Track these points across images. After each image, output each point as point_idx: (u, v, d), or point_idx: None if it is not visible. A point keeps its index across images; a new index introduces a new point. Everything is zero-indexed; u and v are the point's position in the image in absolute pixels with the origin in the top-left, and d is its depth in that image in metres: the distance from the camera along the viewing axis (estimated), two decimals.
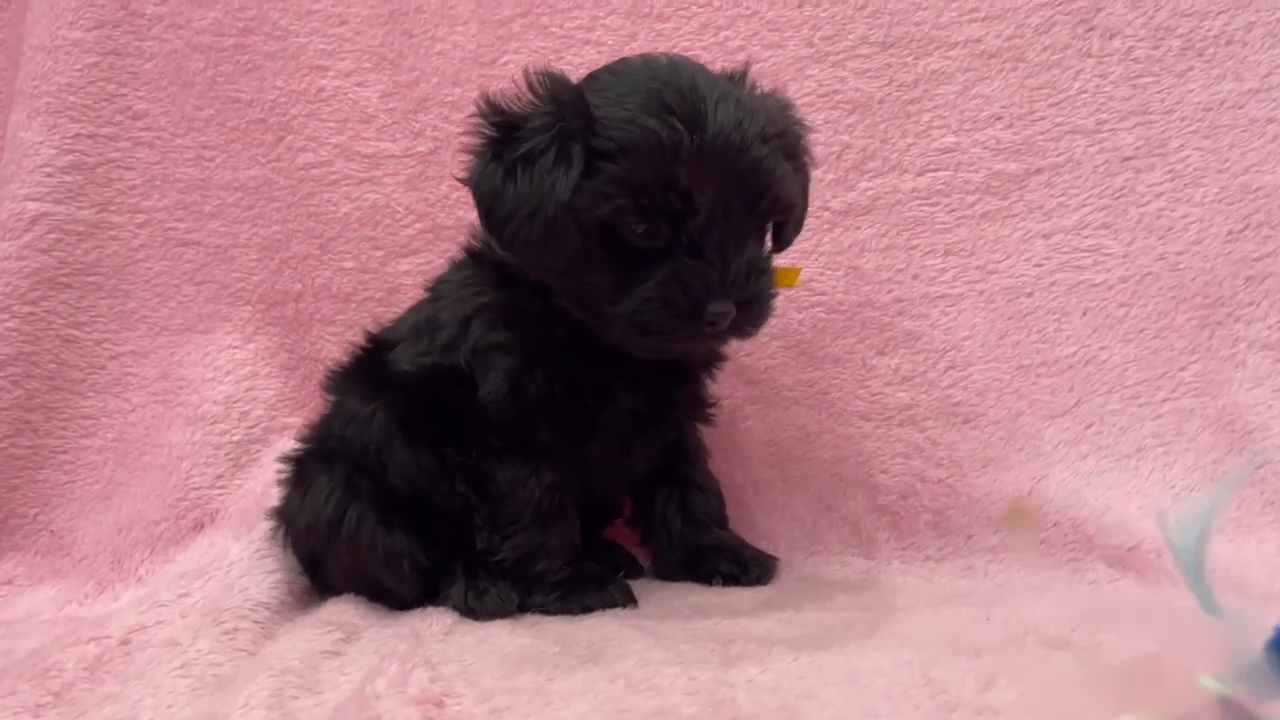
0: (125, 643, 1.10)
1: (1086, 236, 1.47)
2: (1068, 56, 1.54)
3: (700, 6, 1.62)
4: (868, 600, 1.19)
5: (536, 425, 1.21)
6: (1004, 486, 1.36)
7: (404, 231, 1.65)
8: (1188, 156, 1.47)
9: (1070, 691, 0.86)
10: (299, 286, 1.66)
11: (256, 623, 1.18)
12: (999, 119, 1.54)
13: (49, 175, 1.60)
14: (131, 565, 1.46)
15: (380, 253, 1.65)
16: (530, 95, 1.12)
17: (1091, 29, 1.54)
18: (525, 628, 1.17)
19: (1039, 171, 1.51)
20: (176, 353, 1.64)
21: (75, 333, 1.61)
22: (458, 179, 1.19)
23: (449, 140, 1.65)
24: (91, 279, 1.63)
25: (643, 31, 1.63)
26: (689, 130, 1.04)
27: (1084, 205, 1.49)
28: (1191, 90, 1.49)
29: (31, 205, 1.59)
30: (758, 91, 1.18)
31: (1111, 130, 1.50)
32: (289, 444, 1.53)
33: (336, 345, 1.64)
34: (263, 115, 1.66)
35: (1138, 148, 1.49)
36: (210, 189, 1.67)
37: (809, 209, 1.27)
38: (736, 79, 1.18)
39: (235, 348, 1.64)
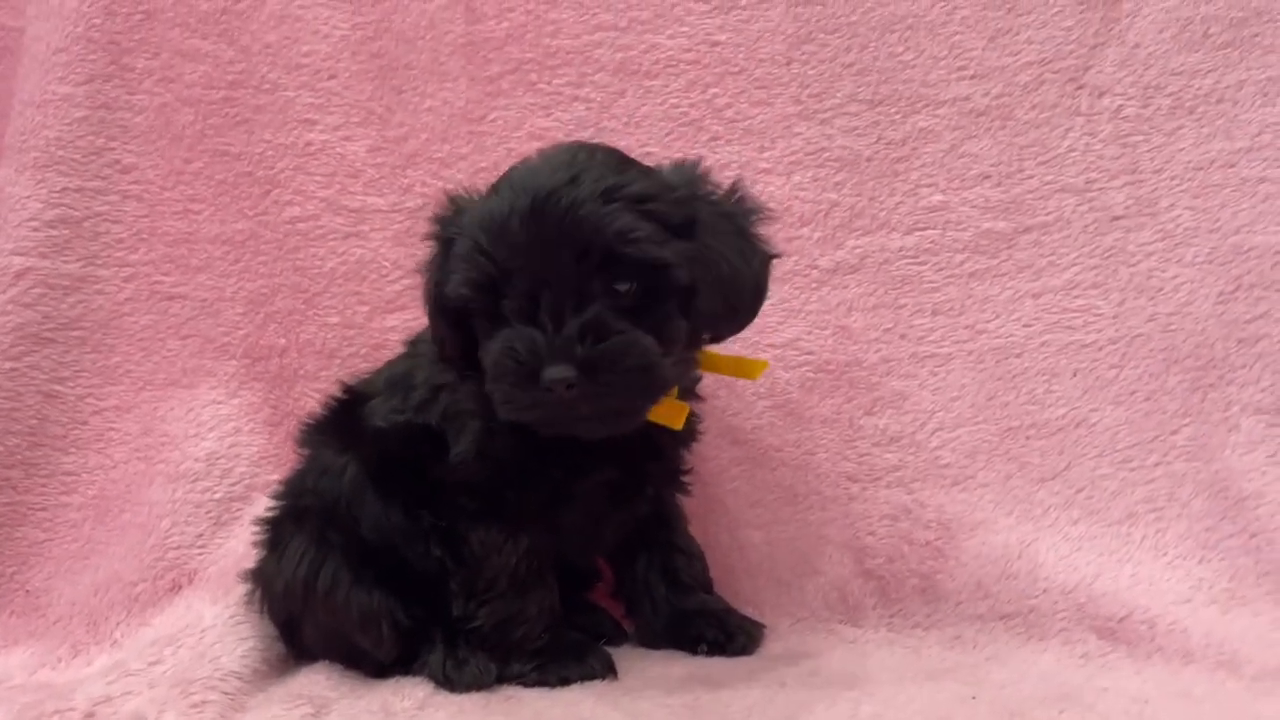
0: (90, 716, 1.08)
1: (1076, 296, 1.46)
2: (1056, 115, 1.53)
3: (688, 64, 1.62)
4: (852, 675, 1.16)
5: (505, 491, 1.19)
6: (993, 550, 1.33)
7: (390, 287, 1.64)
8: (1178, 216, 1.46)
9: None
10: (283, 341, 1.64)
11: (226, 694, 1.16)
12: (987, 177, 1.53)
13: (35, 229, 1.60)
14: (107, 628, 1.44)
15: (366, 308, 1.64)
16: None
17: (1080, 87, 1.53)
18: (500, 702, 1.15)
19: (1028, 230, 1.50)
20: (160, 408, 1.63)
21: (58, 388, 1.60)
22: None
23: (437, 196, 1.63)
24: (75, 334, 1.62)
25: (630, 89, 1.63)
26: (514, 198, 1.06)
27: (1074, 264, 1.47)
28: (1182, 149, 1.48)
29: (17, 260, 1.58)
30: (684, 171, 1.17)
31: (1101, 189, 1.49)
32: (267, 503, 1.51)
33: (320, 402, 1.62)
34: (250, 168, 1.66)
35: (1128, 207, 1.48)
36: (197, 242, 1.66)
37: (760, 282, 1.17)
38: (681, 166, 1.18)
39: (219, 403, 1.62)
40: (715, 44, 1.62)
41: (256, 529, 1.35)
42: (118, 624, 1.44)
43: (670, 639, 1.33)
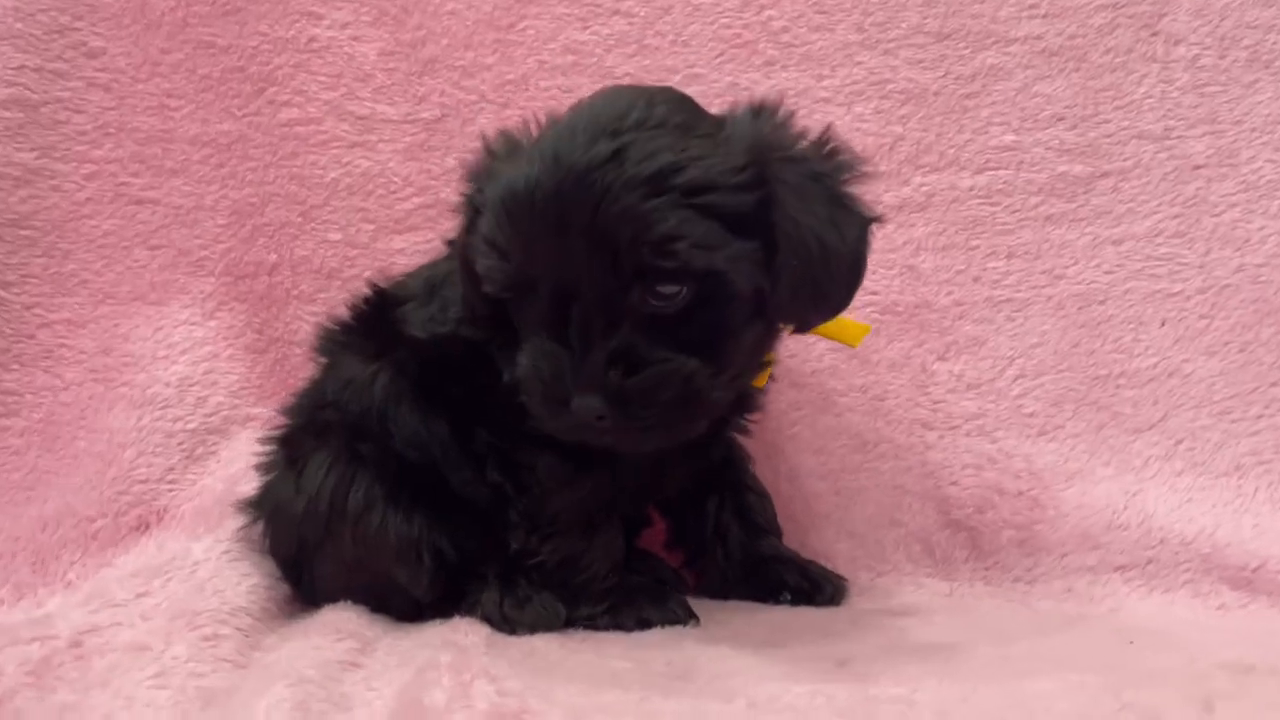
0: (76, 645, 0.88)
1: (1160, 245, 1.38)
2: (1131, 60, 1.45)
3: None
4: (973, 623, 1.02)
5: None
6: (1095, 500, 1.22)
7: (400, 205, 1.46)
8: (1260, 169, 1.39)
9: None
10: (274, 258, 1.45)
11: (239, 629, 0.96)
12: (1061, 119, 1.44)
13: None
14: (58, 568, 1.21)
15: (371, 226, 1.46)
16: None
17: (1155, 34, 1.46)
18: (577, 642, 0.97)
19: (1105, 175, 1.42)
20: (122, 325, 1.41)
21: (1, 293, 1.35)
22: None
23: (458, 109, 1.47)
24: (25, 233, 1.39)
25: (678, 5, 1.50)
26: (541, 175, 0.86)
27: (1155, 213, 1.39)
28: (1260, 102, 1.42)
29: None
30: (757, 125, 0.93)
31: (1180, 138, 1.42)
32: (251, 438, 1.30)
33: (315, 327, 1.41)
34: (241, 63, 1.46)
35: (1208, 157, 1.41)
36: (173, 142, 1.46)
37: (858, 256, 0.94)
38: (757, 111, 0.95)
39: (193, 324, 1.41)
40: None
41: (261, 449, 1.14)
42: (71, 564, 1.22)
43: (745, 587, 1.18)
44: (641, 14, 1.49)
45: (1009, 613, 1.09)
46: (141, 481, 1.29)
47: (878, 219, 0.96)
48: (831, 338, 1.12)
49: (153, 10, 1.46)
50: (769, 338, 1.01)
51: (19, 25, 1.40)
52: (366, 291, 1.17)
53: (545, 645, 0.95)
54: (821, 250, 0.89)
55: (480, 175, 0.97)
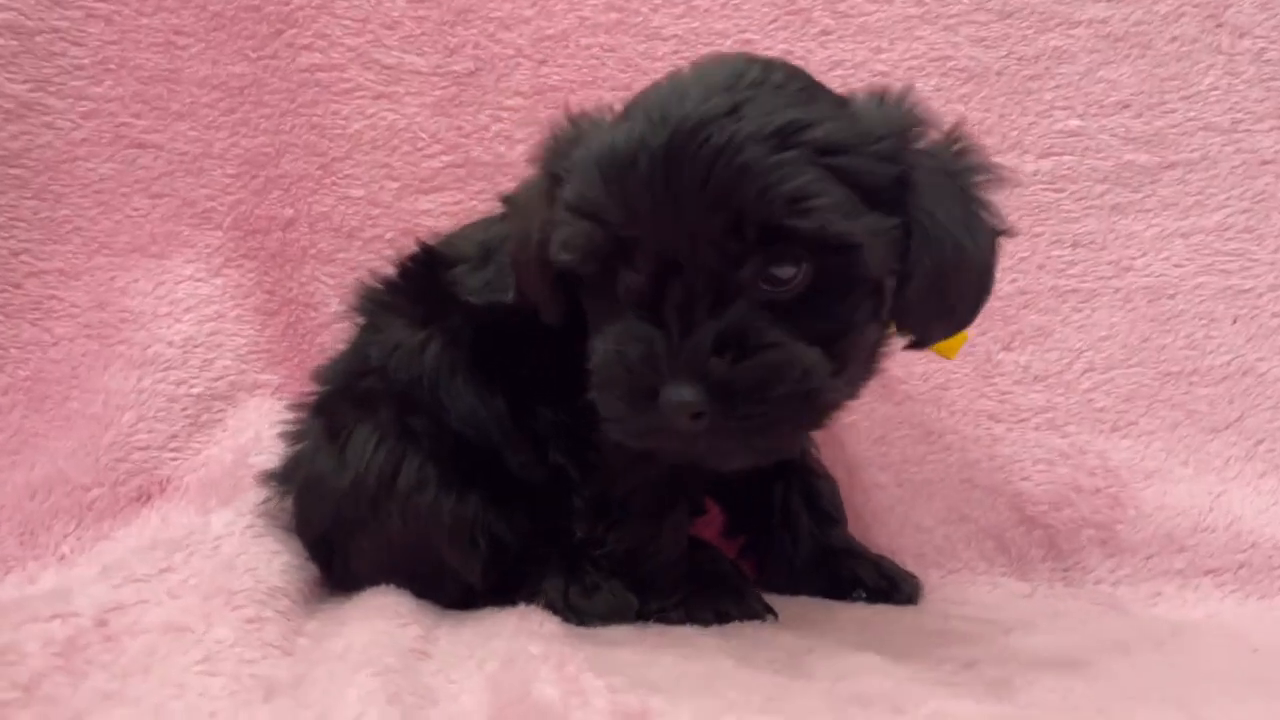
0: (102, 624, 0.77)
1: (1230, 239, 1.33)
2: (1197, 50, 1.40)
3: None
4: (1074, 625, 0.94)
5: None
6: (1178, 501, 1.16)
7: (427, 163, 1.36)
8: None
9: None
10: (289, 212, 1.33)
11: (279, 612, 0.84)
12: (1127, 106, 1.38)
13: None
14: (49, 540, 1.10)
15: (396, 184, 1.35)
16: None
17: (1220, 25, 1.41)
18: (656, 636, 0.87)
19: (1172, 166, 1.36)
20: (119, 278, 1.30)
21: None
22: None
23: (493, 63, 1.37)
24: (15, 172, 1.27)
25: None
26: (646, 130, 0.75)
27: (1224, 206, 1.34)
28: None
29: None
30: (890, 106, 0.83)
31: (1248, 131, 1.37)
32: (261, 405, 1.19)
33: (333, 289, 1.31)
34: (258, 1, 1.35)
35: (1277, 151, 1.37)
36: (180, 83, 1.34)
37: (988, 267, 0.85)
38: (881, 97, 0.84)
39: (198, 280, 1.30)
40: None
41: (291, 417, 1.03)
42: (64, 536, 1.10)
43: (814, 580, 1.09)
44: None
45: (1101, 616, 1.02)
46: (142, 448, 1.17)
47: (1008, 231, 0.86)
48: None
49: None
50: (882, 344, 0.89)
51: None
52: (414, 249, 1.06)
53: (624, 637, 0.86)
54: (955, 252, 0.79)
55: (562, 142, 0.85)
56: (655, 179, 0.73)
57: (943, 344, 0.92)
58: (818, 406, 0.78)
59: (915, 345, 0.88)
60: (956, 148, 0.85)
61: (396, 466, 0.94)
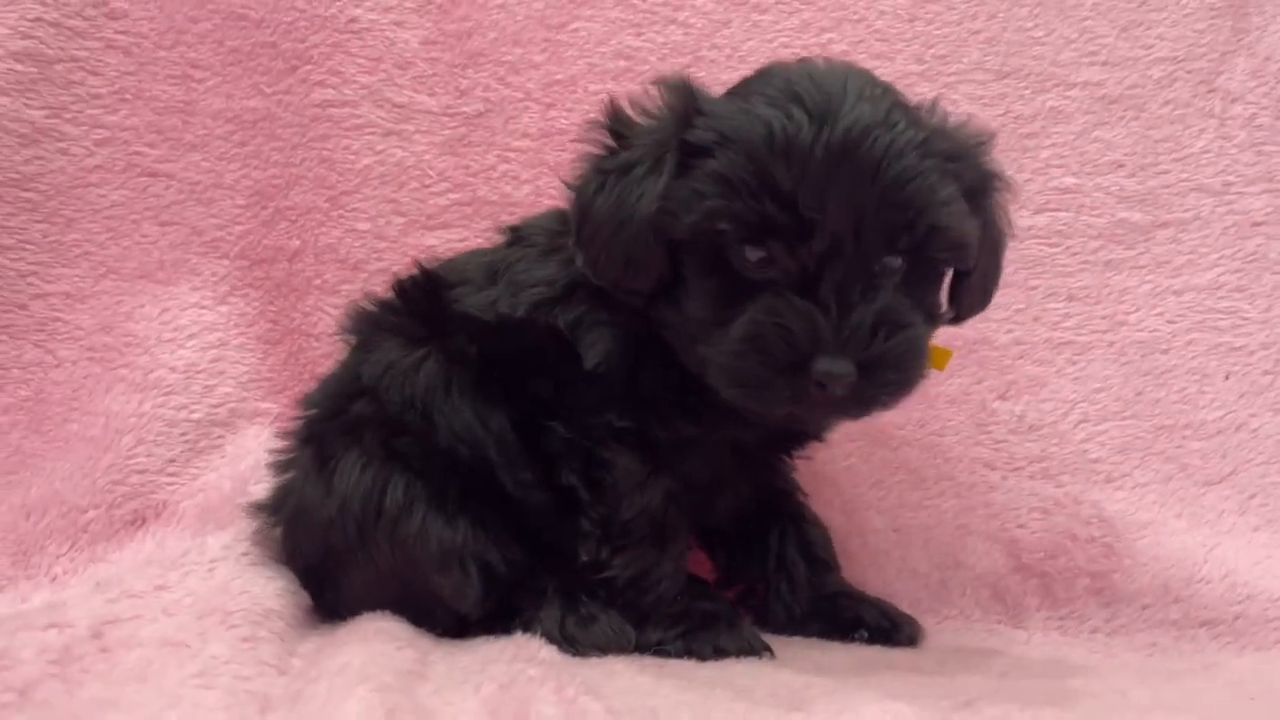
0: (97, 635, 0.77)
1: (1222, 298, 1.35)
2: (1190, 114, 1.44)
3: (803, 3, 1.46)
4: (1071, 670, 0.93)
5: (650, 420, 0.93)
6: (1171, 552, 1.17)
7: (433, 200, 1.38)
8: None
9: None
10: (296, 243, 1.35)
11: (274, 633, 0.83)
12: (1121, 166, 1.42)
13: None
14: (42, 560, 1.10)
15: (402, 220, 1.37)
16: (655, 103, 0.94)
17: (1213, 90, 1.45)
18: (655, 666, 0.86)
19: (1165, 225, 1.39)
20: (125, 302, 1.31)
21: None
22: (564, 183, 1.00)
23: (502, 105, 1.39)
24: (27, 194, 1.29)
25: (736, 19, 1.45)
26: (815, 121, 0.82)
27: (1215, 266, 1.37)
28: None
29: None
30: (949, 118, 0.96)
31: (1239, 193, 1.41)
32: (260, 434, 1.19)
33: (336, 320, 1.31)
34: (274, 39, 1.37)
35: (1267, 214, 1.40)
36: (194, 115, 1.36)
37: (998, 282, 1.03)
38: (923, 107, 0.95)
39: (202, 307, 1.31)
40: None
41: (277, 446, 1.04)
42: (57, 557, 1.11)
43: (814, 623, 1.10)
44: (698, 25, 1.44)
45: (1099, 664, 1.02)
46: (139, 472, 1.17)
47: (1013, 234, 1.02)
48: None
49: None
50: None
51: None
52: (412, 271, 1.08)
53: (623, 668, 0.85)
54: (997, 248, 0.97)
55: (680, 110, 0.90)
56: (835, 170, 0.81)
57: (935, 358, 0.97)
58: (921, 377, 0.88)
59: (955, 319, 1.01)
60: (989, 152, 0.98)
61: (383, 488, 0.94)
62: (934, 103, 0.96)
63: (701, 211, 0.84)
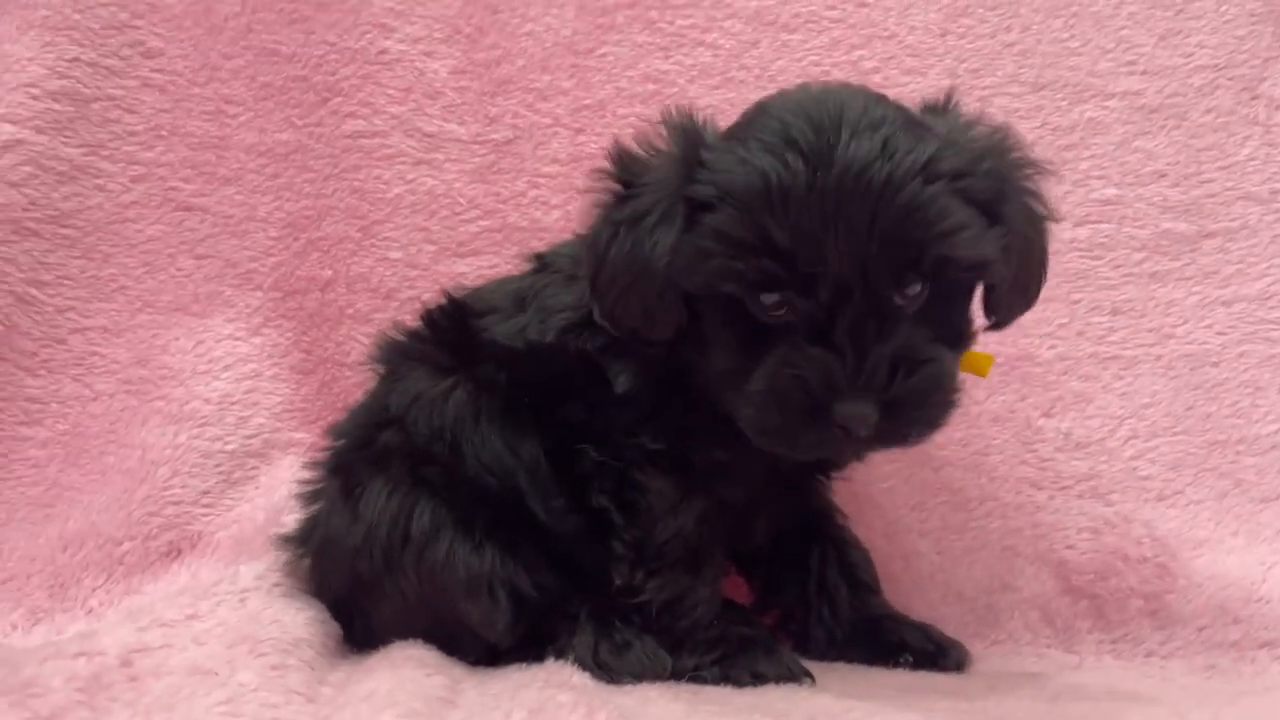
0: (126, 664, 0.77)
1: (1273, 308, 1.32)
2: (1233, 122, 1.41)
3: (832, 22, 1.44)
4: (1126, 695, 0.90)
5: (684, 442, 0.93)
6: (1229, 572, 1.12)
7: (465, 227, 1.38)
8: None
9: None
10: (328, 273, 1.35)
11: (304, 661, 0.82)
12: (1164, 176, 1.38)
13: (34, 98, 1.30)
14: (79, 593, 1.10)
15: (433, 247, 1.37)
16: (659, 141, 0.93)
17: (1256, 97, 1.42)
18: (690, 694, 0.84)
19: (1211, 235, 1.35)
20: (161, 335, 1.31)
21: (34, 292, 1.28)
22: (578, 235, 1.01)
23: (531, 131, 1.39)
24: (65, 231, 1.30)
25: (765, 40, 1.44)
26: (810, 166, 0.81)
27: (1265, 275, 1.34)
28: None
29: (7, 128, 1.27)
30: (961, 120, 0.93)
31: None
32: (294, 464, 1.19)
33: (368, 349, 1.31)
34: (305, 73, 1.39)
35: None
36: (228, 149, 1.37)
37: (1045, 252, 0.96)
38: (935, 109, 0.94)
39: (237, 339, 1.31)
40: (862, 5, 1.44)
41: (305, 477, 1.03)
42: (94, 589, 1.11)
43: (857, 648, 1.07)
44: (727, 46, 1.43)
45: (1154, 690, 0.97)
46: (175, 503, 1.18)
47: (1056, 218, 0.96)
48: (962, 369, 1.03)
49: (216, 15, 1.39)
50: None
51: (76, 16, 1.33)
52: (440, 300, 1.07)
53: (657, 693, 0.83)
54: (1028, 247, 0.91)
55: (679, 168, 0.88)
56: (831, 218, 0.80)
57: (974, 364, 0.97)
58: (952, 409, 0.86)
59: (996, 326, 0.97)
60: (1006, 142, 0.93)
61: (409, 514, 0.94)
62: (948, 98, 0.94)
63: (707, 272, 0.84)
